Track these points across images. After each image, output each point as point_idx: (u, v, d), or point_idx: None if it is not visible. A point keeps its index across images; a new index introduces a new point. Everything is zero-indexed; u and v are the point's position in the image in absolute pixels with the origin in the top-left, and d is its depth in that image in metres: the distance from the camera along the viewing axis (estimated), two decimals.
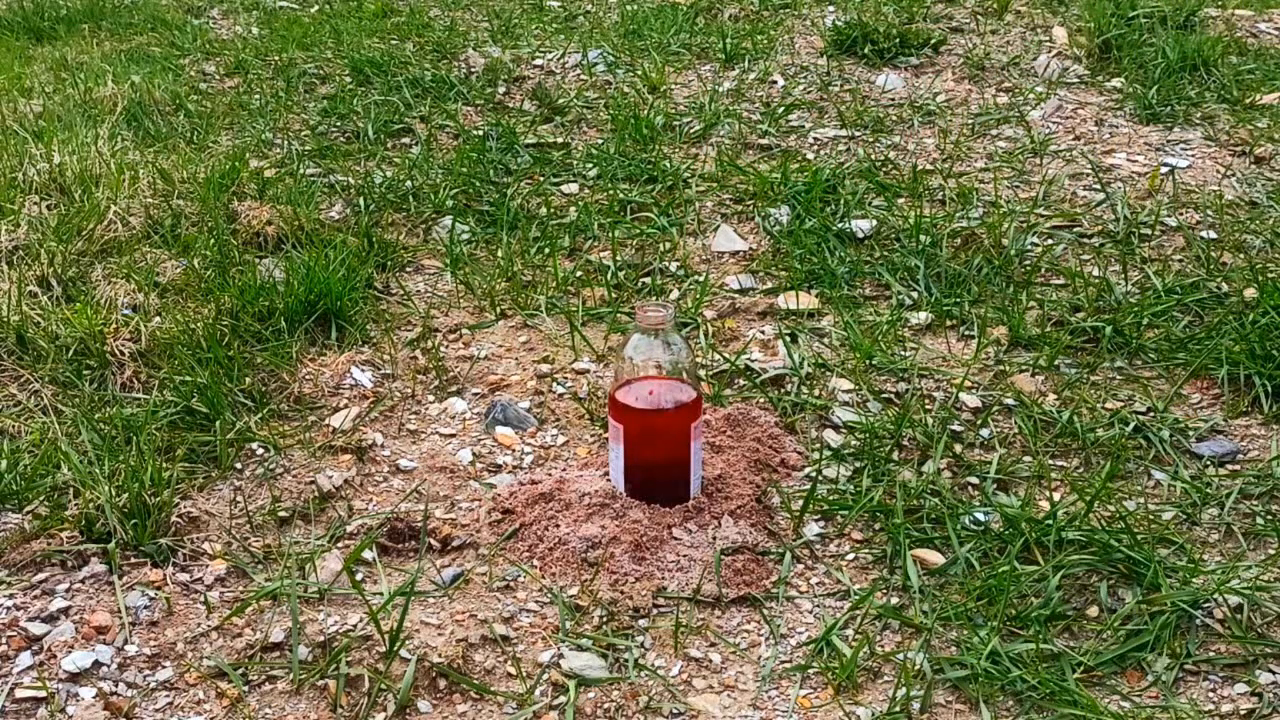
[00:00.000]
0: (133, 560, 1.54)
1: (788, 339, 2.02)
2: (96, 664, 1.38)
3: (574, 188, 2.65)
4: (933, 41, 3.38)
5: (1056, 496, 1.65)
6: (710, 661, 1.42)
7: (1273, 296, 2.02)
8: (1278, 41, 3.41)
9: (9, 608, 1.46)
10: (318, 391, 1.91)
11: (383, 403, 1.88)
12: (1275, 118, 2.89)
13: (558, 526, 1.58)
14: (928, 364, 1.97)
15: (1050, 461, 1.75)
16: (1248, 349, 1.91)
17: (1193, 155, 2.73)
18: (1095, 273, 2.23)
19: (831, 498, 1.66)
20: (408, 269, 2.32)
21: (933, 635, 1.43)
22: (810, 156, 2.77)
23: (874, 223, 2.40)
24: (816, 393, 1.89)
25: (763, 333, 2.07)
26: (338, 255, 2.22)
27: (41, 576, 1.51)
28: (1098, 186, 2.56)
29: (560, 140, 2.91)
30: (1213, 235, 2.35)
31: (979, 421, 1.82)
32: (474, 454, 1.77)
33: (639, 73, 3.29)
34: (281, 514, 1.63)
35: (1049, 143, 2.81)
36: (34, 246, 2.21)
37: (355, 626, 1.43)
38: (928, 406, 1.85)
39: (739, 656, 1.43)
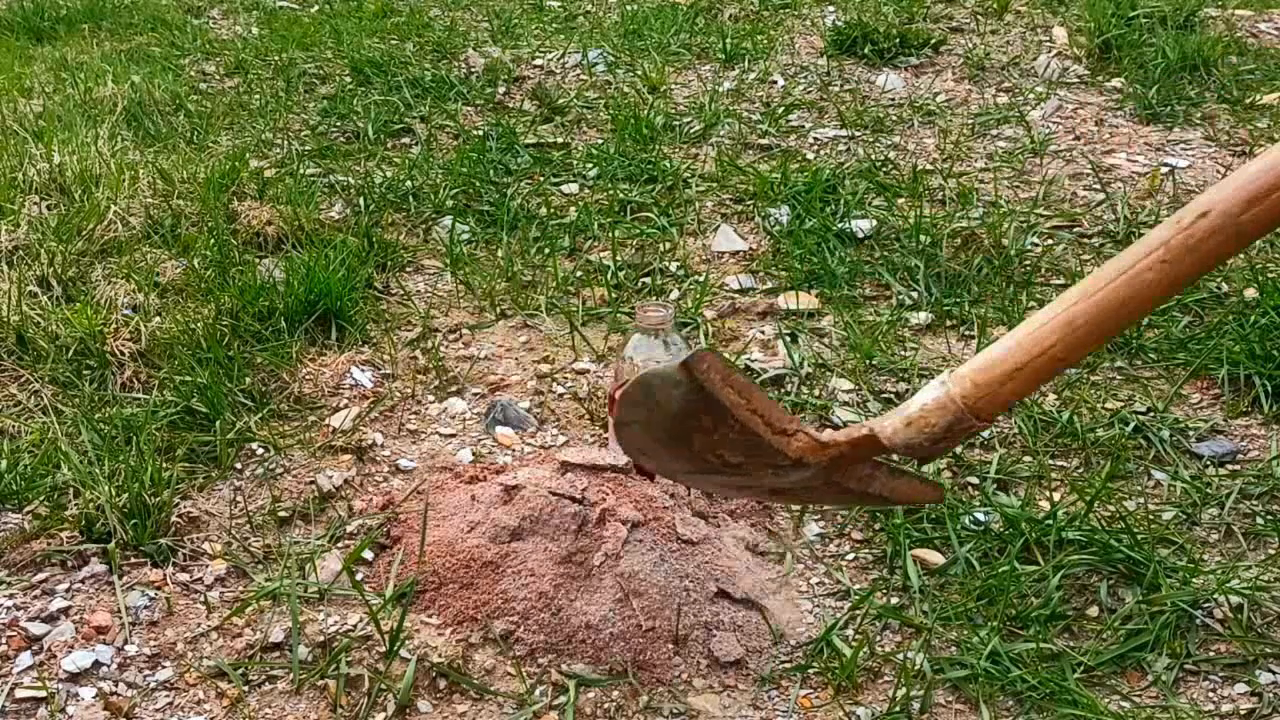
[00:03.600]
0: (133, 560, 1.54)
1: (788, 339, 2.02)
2: (96, 664, 1.38)
3: (574, 188, 2.65)
4: (933, 41, 3.38)
5: (1056, 496, 1.65)
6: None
7: (1273, 296, 2.02)
8: (1278, 41, 3.41)
9: (9, 608, 1.46)
10: (318, 391, 1.91)
11: (383, 403, 1.88)
12: (1275, 118, 2.89)
13: None
14: (928, 364, 1.96)
15: (1050, 461, 1.75)
16: (1248, 349, 1.91)
17: (1193, 155, 2.73)
18: None
19: None
20: (408, 269, 2.32)
21: (933, 635, 1.43)
22: (810, 156, 2.77)
23: (874, 223, 2.40)
24: (816, 393, 1.89)
25: (763, 333, 2.07)
26: (338, 255, 2.22)
27: (41, 576, 1.51)
28: (1098, 186, 2.56)
29: (560, 140, 2.90)
30: None
31: None
32: (474, 454, 1.77)
33: (639, 73, 3.29)
34: (281, 514, 1.63)
35: (1049, 143, 2.81)
36: (34, 246, 2.21)
37: (355, 626, 1.43)
38: None
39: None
